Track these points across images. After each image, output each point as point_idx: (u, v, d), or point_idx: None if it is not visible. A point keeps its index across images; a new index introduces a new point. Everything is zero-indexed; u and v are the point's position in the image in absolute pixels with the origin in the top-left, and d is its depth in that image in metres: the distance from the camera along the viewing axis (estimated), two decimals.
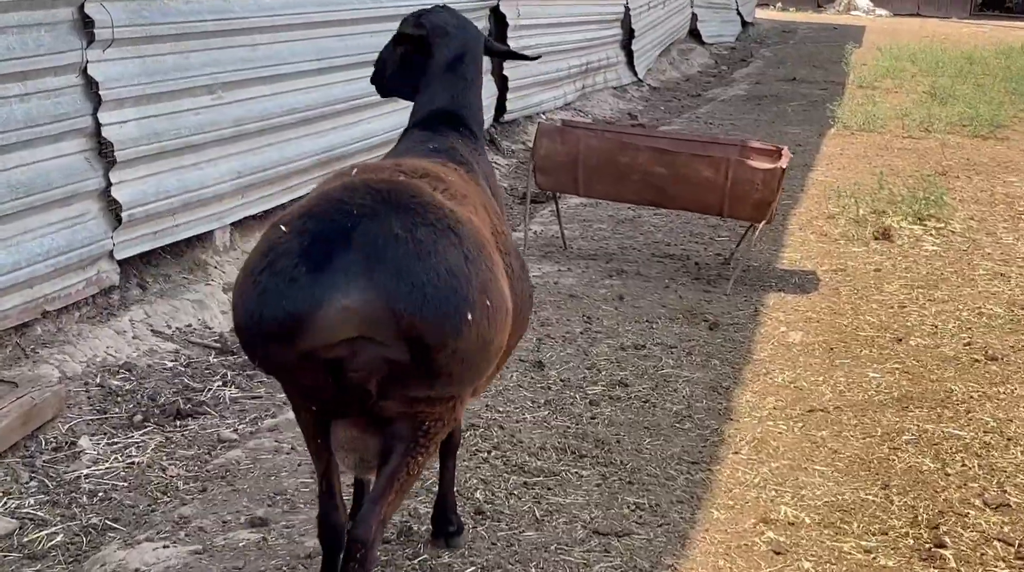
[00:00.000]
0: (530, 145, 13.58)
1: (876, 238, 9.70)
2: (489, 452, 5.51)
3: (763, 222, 8.22)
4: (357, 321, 3.07)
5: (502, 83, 13.42)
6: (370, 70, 4.97)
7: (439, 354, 3.18)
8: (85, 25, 6.53)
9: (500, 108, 13.44)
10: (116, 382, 6.26)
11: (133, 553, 4.58)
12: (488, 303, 3.25)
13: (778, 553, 4.71)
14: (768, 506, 5.09)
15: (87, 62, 6.58)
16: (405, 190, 3.32)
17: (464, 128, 4.58)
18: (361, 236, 3.11)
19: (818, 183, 12.03)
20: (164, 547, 4.63)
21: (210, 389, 6.32)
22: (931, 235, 9.93)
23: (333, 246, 3.09)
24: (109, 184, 6.77)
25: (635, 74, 18.61)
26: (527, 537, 4.76)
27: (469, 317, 3.17)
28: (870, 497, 5.24)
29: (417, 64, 4.66)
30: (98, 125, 6.68)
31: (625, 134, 9.04)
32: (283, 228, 3.22)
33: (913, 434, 5.92)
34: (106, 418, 5.89)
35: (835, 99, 18.25)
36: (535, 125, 14.18)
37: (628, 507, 5.04)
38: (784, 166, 8.12)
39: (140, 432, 5.78)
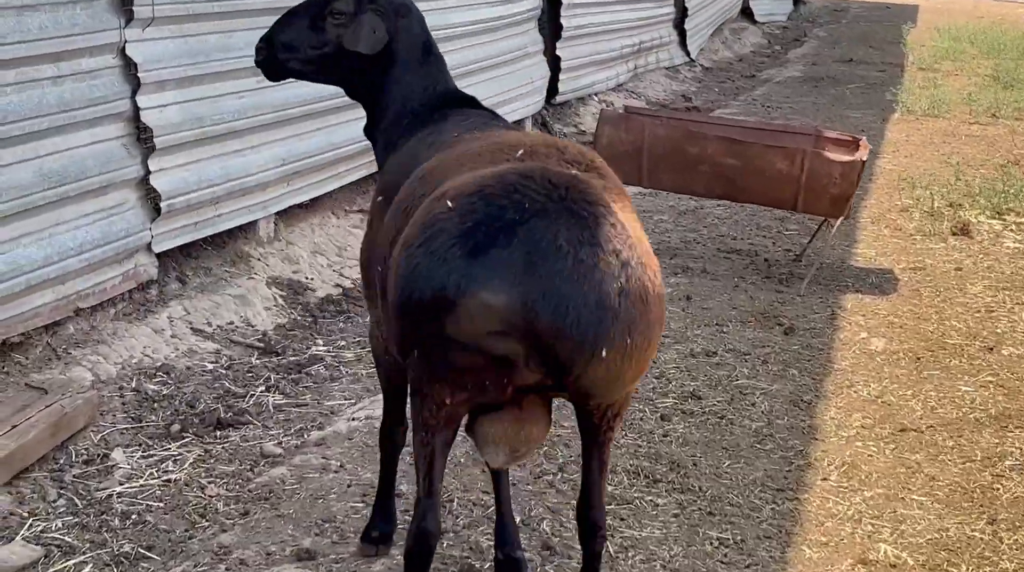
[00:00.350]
0: (583, 128, 13.16)
1: (954, 233, 9.15)
2: (555, 475, 5.06)
3: (840, 218, 7.72)
4: (496, 320, 2.98)
5: (555, 63, 12.90)
6: None
7: (570, 375, 3.08)
8: (123, 2, 6.13)
9: (552, 90, 12.91)
10: (153, 386, 5.85)
11: None
12: (628, 342, 3.06)
13: None
14: (866, 544, 4.62)
15: (125, 42, 6.18)
16: (582, 192, 3.12)
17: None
18: (526, 234, 2.98)
19: (887, 172, 11.47)
20: None
21: (253, 395, 5.90)
22: (1011, 231, 9.37)
23: (495, 236, 2.99)
24: (148, 172, 6.38)
25: (688, 54, 18.06)
26: None
27: (603, 353, 3.02)
28: (976, 533, 4.75)
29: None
30: (136, 109, 6.28)
31: (692, 122, 8.54)
32: (449, 203, 3.10)
33: (1016, 459, 5.43)
34: (141, 427, 5.48)
35: (895, 82, 17.65)
36: (587, 107, 13.75)
37: (711, 543, 4.57)
38: (864, 158, 7.62)
39: (177, 444, 5.37)
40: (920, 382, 6.26)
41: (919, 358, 6.61)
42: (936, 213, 9.68)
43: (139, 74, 6.24)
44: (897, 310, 7.40)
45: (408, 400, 4.15)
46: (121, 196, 6.25)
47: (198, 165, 6.76)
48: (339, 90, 7.82)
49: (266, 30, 4.41)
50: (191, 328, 6.47)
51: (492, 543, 4.37)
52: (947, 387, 6.21)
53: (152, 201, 6.42)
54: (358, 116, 8.22)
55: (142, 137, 6.33)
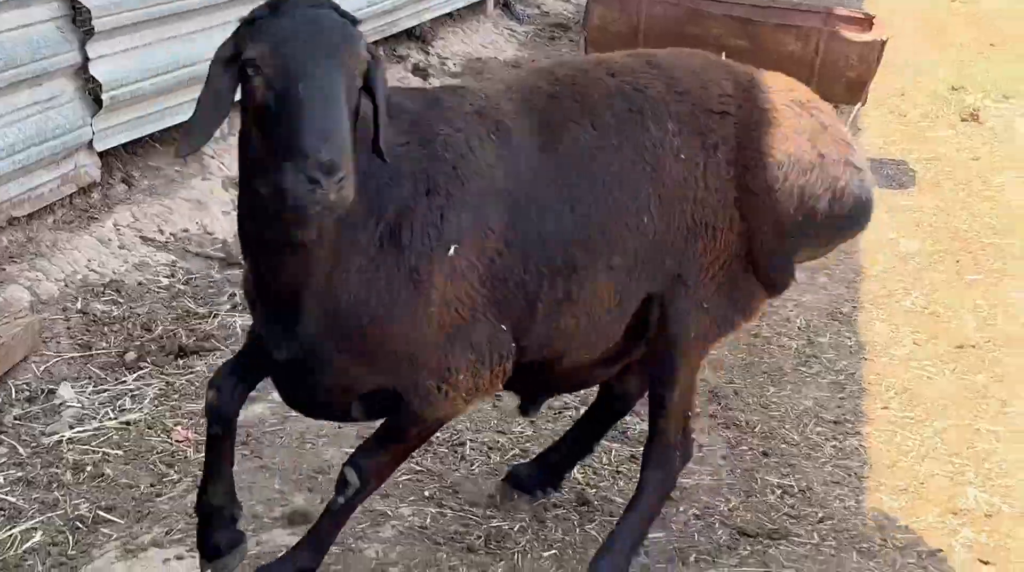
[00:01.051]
0: (545, 9, 12.35)
1: (963, 119, 8.50)
2: (577, 410, 4.37)
3: (858, 105, 7.03)
4: None
5: None
6: None
7: None
8: None
9: None
10: (101, 306, 5.10)
11: (136, 566, 3.45)
12: None
13: (986, 563, 3.60)
14: (950, 489, 3.99)
15: None
16: None
17: None
18: None
19: None
20: (177, 558, 3.50)
21: (216, 315, 5.16)
22: (1021, 117, 8.71)
23: None
24: (86, 59, 5.67)
25: None
26: (652, 540, 3.61)
27: None
28: None
29: None
30: None
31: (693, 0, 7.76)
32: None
33: None
34: (91, 356, 4.73)
35: None
36: None
37: (772, 490, 3.93)
38: (884, 39, 6.90)
39: (134, 376, 4.63)
40: (965, 289, 5.65)
41: (958, 260, 6.00)
42: (939, 97, 9.03)
43: None
44: (922, 206, 6.76)
45: None
46: (57, 87, 5.54)
47: (143, 51, 6.02)
48: None
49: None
50: (141, 237, 5.71)
51: (517, 495, 3.73)
52: (995, 294, 5.61)
53: (92, 93, 5.73)
54: None
55: (79, 19, 5.57)
